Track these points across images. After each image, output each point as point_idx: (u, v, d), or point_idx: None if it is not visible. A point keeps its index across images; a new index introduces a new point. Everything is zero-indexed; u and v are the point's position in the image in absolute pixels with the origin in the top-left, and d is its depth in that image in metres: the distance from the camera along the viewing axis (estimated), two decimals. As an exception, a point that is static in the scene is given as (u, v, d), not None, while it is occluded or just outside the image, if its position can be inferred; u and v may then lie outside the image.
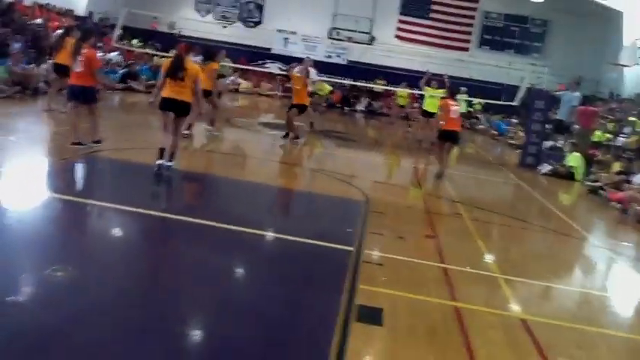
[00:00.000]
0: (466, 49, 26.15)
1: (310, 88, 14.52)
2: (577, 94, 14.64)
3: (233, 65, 21.40)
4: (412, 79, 19.48)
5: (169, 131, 7.39)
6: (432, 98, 14.73)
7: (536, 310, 4.94)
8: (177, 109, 7.35)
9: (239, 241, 5.53)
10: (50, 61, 12.03)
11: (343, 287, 4.56)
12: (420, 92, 16.53)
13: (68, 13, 20.53)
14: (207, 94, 10.90)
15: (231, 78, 21.79)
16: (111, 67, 17.28)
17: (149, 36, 24.11)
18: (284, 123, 12.39)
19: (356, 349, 3.67)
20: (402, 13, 26.10)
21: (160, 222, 5.86)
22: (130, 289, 4.21)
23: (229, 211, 6.67)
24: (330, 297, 4.38)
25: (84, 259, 4.61)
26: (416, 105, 19.50)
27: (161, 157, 7.24)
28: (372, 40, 25.18)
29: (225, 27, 26.07)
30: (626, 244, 8.18)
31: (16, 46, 14.46)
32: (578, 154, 12.91)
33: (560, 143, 14.32)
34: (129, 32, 21.89)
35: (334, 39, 25.36)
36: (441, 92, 14.14)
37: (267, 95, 23.52)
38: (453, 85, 13.28)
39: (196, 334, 3.77)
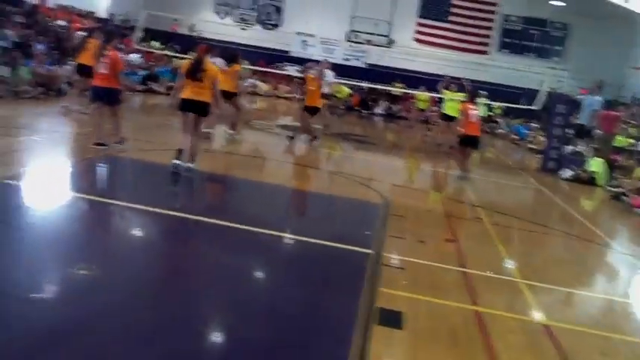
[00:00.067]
0: (485, 52, 26.01)
1: (326, 90, 14.53)
2: (599, 98, 14.46)
3: (251, 67, 21.50)
4: (431, 82, 19.40)
5: (189, 132, 7.45)
6: (452, 102, 14.65)
7: (559, 315, 4.88)
8: (196, 109, 7.41)
9: (258, 243, 5.54)
10: (73, 63, 12.17)
11: (362, 290, 4.55)
12: (439, 96, 16.46)
13: (90, 15, 20.77)
14: (230, 95, 10.96)
15: (250, 80, 21.88)
16: (131, 69, 17.44)
17: (169, 38, 24.31)
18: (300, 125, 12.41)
19: (377, 352, 3.66)
20: (420, 16, 26.02)
21: (179, 222, 5.89)
22: (149, 288, 4.24)
23: (248, 213, 6.69)
24: (349, 299, 4.37)
25: (105, 258, 4.65)
26: (435, 108, 19.42)
27: (178, 157, 7.29)
28: (390, 43, 25.14)
29: (244, 29, 26.20)
30: (649, 250, 8.06)
31: (40, 47, 14.66)
32: (600, 159, 12.76)
33: (581, 148, 14.15)
34: (149, 34, 22.11)
35: (352, 42, 25.37)
36: (460, 96, 14.08)
37: (286, 98, 23.57)
38: (472, 89, 13.20)
39: (215, 335, 3.79)
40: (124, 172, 8.15)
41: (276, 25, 26.75)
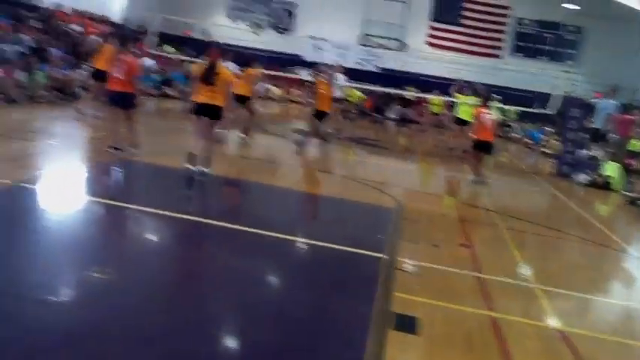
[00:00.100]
0: (498, 56, 25.91)
1: (338, 94, 14.49)
2: (613, 101, 14.37)
3: (264, 72, 21.53)
4: (444, 86, 19.36)
5: (202, 136, 7.48)
6: (466, 106, 14.59)
7: (576, 322, 4.83)
8: (210, 113, 7.44)
9: (271, 246, 5.54)
10: (88, 67, 12.28)
11: (376, 294, 4.54)
12: (452, 100, 16.40)
13: (104, 19, 20.94)
14: (244, 99, 10.98)
15: (263, 85, 21.92)
16: (145, 74, 17.54)
17: (183, 42, 24.44)
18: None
19: (392, 357, 3.64)
20: (433, 20, 25.98)
21: (191, 226, 5.91)
22: (161, 291, 4.25)
23: (262, 216, 6.70)
24: (363, 304, 4.36)
25: (119, 261, 4.68)
26: (446, 112, 19.35)
27: (191, 160, 7.32)
28: (403, 47, 25.11)
29: (256, 34, 26.29)
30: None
31: (55, 52, 14.80)
32: (615, 163, 12.65)
33: (596, 152, 14.04)
34: (163, 39, 22.24)
35: (365, 46, 25.36)
36: (473, 99, 14.02)
37: (298, 102, 23.61)
38: (486, 93, 13.11)
39: (228, 338, 3.78)
40: (137, 175, 8.19)
41: (288, 30, 26.82)
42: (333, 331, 3.94)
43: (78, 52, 15.95)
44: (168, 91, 17.77)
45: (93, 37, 17.08)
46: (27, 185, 6.20)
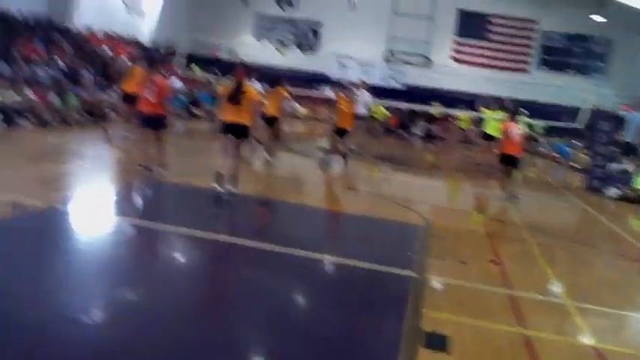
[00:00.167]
0: (525, 70, 25.73)
1: (363, 111, 14.51)
2: (643, 114, 14.15)
3: (290, 90, 21.68)
4: (469, 101, 19.29)
5: (230, 155, 7.56)
6: (493, 121, 14.49)
7: (610, 338, 4.74)
8: (237, 132, 7.53)
9: (299, 265, 5.56)
10: (118, 90, 12.54)
11: (406, 312, 4.52)
12: (479, 115, 16.32)
13: (134, 41, 21.39)
14: (272, 120, 11.03)
15: (290, 104, 22.06)
16: (174, 95, 17.85)
17: (210, 63, 24.80)
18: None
19: (423, 375, 3.62)
20: (458, 35, 25.97)
21: (219, 245, 5.97)
22: (190, 310, 4.29)
23: (290, 235, 6.73)
24: (394, 322, 4.35)
25: (150, 281, 4.75)
26: (473, 128, 19.26)
27: (219, 180, 7.40)
28: (428, 63, 25.09)
29: (282, 53, 26.57)
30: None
31: (87, 75, 15.15)
32: (647, 176, 12.43)
33: (627, 166, 13.80)
34: (190, 59, 22.61)
35: (390, 62, 25.39)
36: (500, 114, 13.92)
37: (323, 120, 23.68)
38: (513, 107, 13.00)
39: (258, 359, 3.80)
40: (166, 196, 8.31)
41: (313, 48, 27.06)
42: (363, 349, 3.93)
43: (108, 74, 16.31)
44: (196, 111, 18.03)
45: (123, 57, 17.47)
46: (60, 206, 6.34)
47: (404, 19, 24.35)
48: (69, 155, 10.11)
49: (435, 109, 22.19)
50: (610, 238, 9.11)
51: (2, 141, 10.26)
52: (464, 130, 20.17)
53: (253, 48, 26.04)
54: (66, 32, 17.35)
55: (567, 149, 20.48)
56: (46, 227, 5.74)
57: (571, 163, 18.61)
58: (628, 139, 14.36)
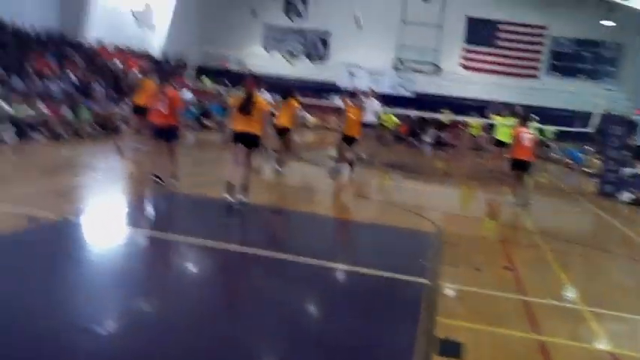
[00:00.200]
0: (535, 77, 25.66)
1: (372, 119, 14.49)
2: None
3: (301, 100, 21.74)
4: (479, 108, 19.26)
5: (240, 164, 7.58)
6: (504, 127, 14.43)
7: (627, 343, 4.69)
8: (247, 141, 7.56)
9: (312, 274, 5.56)
10: (129, 103, 12.64)
11: (420, 320, 4.50)
12: (490, 122, 16.28)
13: (144, 54, 21.58)
14: (284, 131, 11.06)
15: (301, 113, 22.12)
16: (185, 106, 17.98)
17: (220, 74, 24.96)
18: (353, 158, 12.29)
19: (438, 383, 3.60)
20: (467, 42, 25.97)
21: (232, 255, 5.98)
22: (203, 320, 4.28)
23: (302, 244, 6.74)
24: (408, 330, 4.33)
25: (163, 292, 4.76)
26: (484, 134, 19.22)
27: (230, 190, 7.42)
28: (437, 71, 25.10)
29: (291, 63, 26.70)
30: None
31: (98, 89, 15.30)
32: (660, 181, 12.33)
33: (639, 170, 13.70)
34: (201, 71, 22.78)
35: (399, 70, 25.42)
36: (511, 121, 13.87)
37: (333, 129, 23.71)
38: (524, 113, 12.96)
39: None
40: (178, 207, 8.34)
41: (323, 58, 27.16)
42: (377, 357, 3.92)
43: (119, 88, 16.47)
44: (206, 122, 18.14)
45: (134, 70, 17.62)
46: (73, 218, 6.39)
47: (413, 27, 24.40)
48: (81, 168, 10.20)
49: (445, 116, 22.16)
50: (624, 243, 9.04)
51: (16, 154, 10.37)
52: (474, 137, 20.09)
53: (263, 59, 26.19)
54: (78, 46, 17.55)
55: (579, 154, 20.37)
56: (59, 239, 5.78)
57: (584, 169, 18.50)
58: (640, 143, 14.27)
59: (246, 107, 7.47)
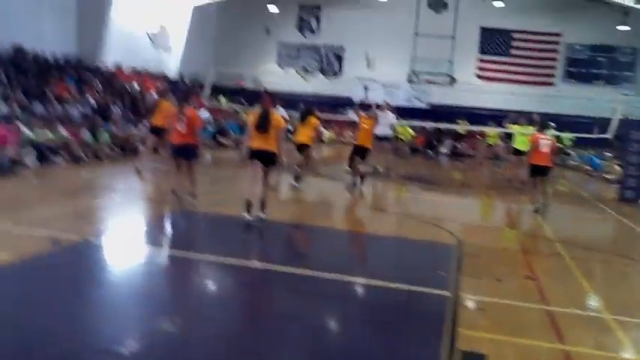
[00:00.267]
0: (551, 84, 25.53)
1: (388, 132, 14.50)
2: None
3: (320, 117, 21.79)
4: (495, 117, 19.17)
5: (258, 181, 7.63)
6: (523, 136, 14.34)
7: (654, 352, 4.62)
8: (264, 159, 7.61)
9: (333, 289, 5.55)
10: (147, 124, 12.80)
11: (443, 332, 4.47)
12: (507, 131, 16.20)
13: (161, 76, 21.87)
14: (304, 147, 11.15)
15: (319, 129, 22.17)
16: (203, 125, 18.16)
17: (236, 93, 25.18)
18: (364, 172, 12.23)
19: (462, 395, 3.57)
20: (481, 52, 25.95)
21: (252, 272, 5.99)
22: (227, 337, 4.31)
23: (321, 259, 6.75)
24: (431, 343, 4.31)
25: (184, 310, 4.79)
26: (500, 143, 19.10)
27: (248, 208, 7.46)
28: (452, 82, 25.06)
29: (305, 80, 26.87)
30: None
31: (116, 111, 15.53)
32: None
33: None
34: (217, 91, 22.99)
35: (414, 82, 25.42)
36: (530, 129, 13.79)
37: (349, 143, 23.69)
38: (542, 120, 12.87)
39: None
40: (197, 225, 8.40)
41: (337, 73, 27.30)
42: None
43: (137, 109, 16.69)
44: (223, 140, 18.29)
45: (152, 92, 17.88)
46: (94, 239, 6.47)
47: (426, 39, 24.38)
48: (101, 189, 10.33)
49: (461, 126, 22.10)
50: (648, 249, 8.91)
51: (37, 178, 10.53)
52: (491, 147, 19.99)
53: (277, 76, 26.40)
54: (96, 70, 17.85)
55: (597, 161, 20.16)
56: (81, 260, 5.84)
57: (604, 175, 18.30)
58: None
59: (263, 125, 7.53)
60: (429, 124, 22.65)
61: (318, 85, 26.54)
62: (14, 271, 5.17)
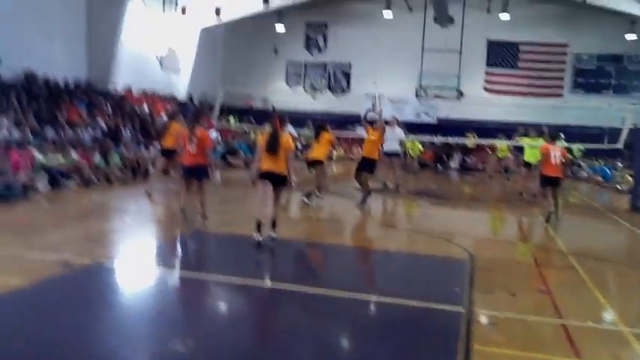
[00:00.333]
0: (559, 95, 25.46)
1: (397, 147, 14.50)
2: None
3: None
4: (504, 130, 19.13)
5: (268, 201, 7.64)
6: (533, 149, 14.30)
7: (672, 365, 4.55)
8: (274, 180, 7.62)
9: (345, 307, 5.53)
10: (157, 146, 12.90)
11: (457, 349, 4.44)
12: (516, 144, 16.17)
13: (170, 98, 22.05)
14: (316, 163, 11.18)
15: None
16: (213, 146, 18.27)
17: (245, 112, 25.31)
18: (373, 187, 12.22)
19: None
20: (488, 65, 25.97)
21: (264, 291, 6.00)
22: (242, 357, 4.30)
23: (333, 277, 6.74)
24: (445, 359, 4.27)
25: (197, 331, 4.78)
26: (510, 156, 19.05)
27: (259, 227, 7.46)
28: (460, 96, 25.08)
29: (313, 98, 27.01)
30: None
31: (127, 134, 15.66)
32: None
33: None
34: (226, 111, 23.14)
35: (421, 97, 25.46)
36: (540, 141, 13.76)
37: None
38: (551, 132, 12.84)
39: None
40: (209, 246, 8.42)
41: (345, 90, 27.41)
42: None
43: (147, 131, 16.82)
44: (233, 160, 18.38)
45: (162, 114, 18.03)
46: (106, 262, 6.50)
47: (433, 54, 24.50)
48: (112, 212, 10.39)
49: (470, 140, 22.06)
50: (663, 260, 8.80)
51: (49, 202, 10.61)
52: (501, 160, 19.93)
53: (286, 94, 26.56)
54: (106, 94, 18.03)
55: (608, 171, 20.02)
56: (93, 283, 5.87)
57: (616, 185, 18.17)
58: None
59: (273, 147, 7.56)
60: (438, 139, 22.62)
61: (326, 102, 26.66)
62: (26, 295, 5.19)
